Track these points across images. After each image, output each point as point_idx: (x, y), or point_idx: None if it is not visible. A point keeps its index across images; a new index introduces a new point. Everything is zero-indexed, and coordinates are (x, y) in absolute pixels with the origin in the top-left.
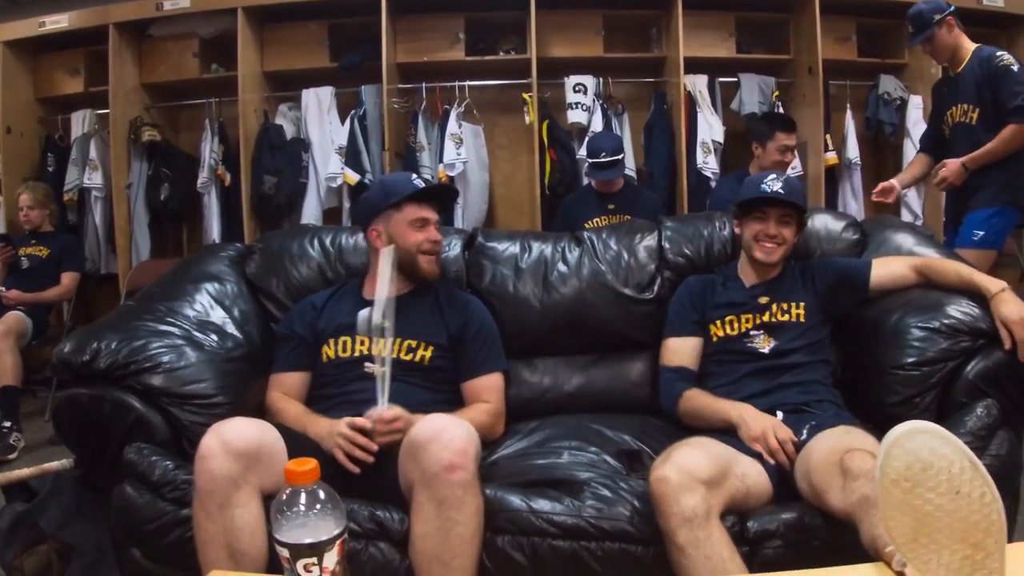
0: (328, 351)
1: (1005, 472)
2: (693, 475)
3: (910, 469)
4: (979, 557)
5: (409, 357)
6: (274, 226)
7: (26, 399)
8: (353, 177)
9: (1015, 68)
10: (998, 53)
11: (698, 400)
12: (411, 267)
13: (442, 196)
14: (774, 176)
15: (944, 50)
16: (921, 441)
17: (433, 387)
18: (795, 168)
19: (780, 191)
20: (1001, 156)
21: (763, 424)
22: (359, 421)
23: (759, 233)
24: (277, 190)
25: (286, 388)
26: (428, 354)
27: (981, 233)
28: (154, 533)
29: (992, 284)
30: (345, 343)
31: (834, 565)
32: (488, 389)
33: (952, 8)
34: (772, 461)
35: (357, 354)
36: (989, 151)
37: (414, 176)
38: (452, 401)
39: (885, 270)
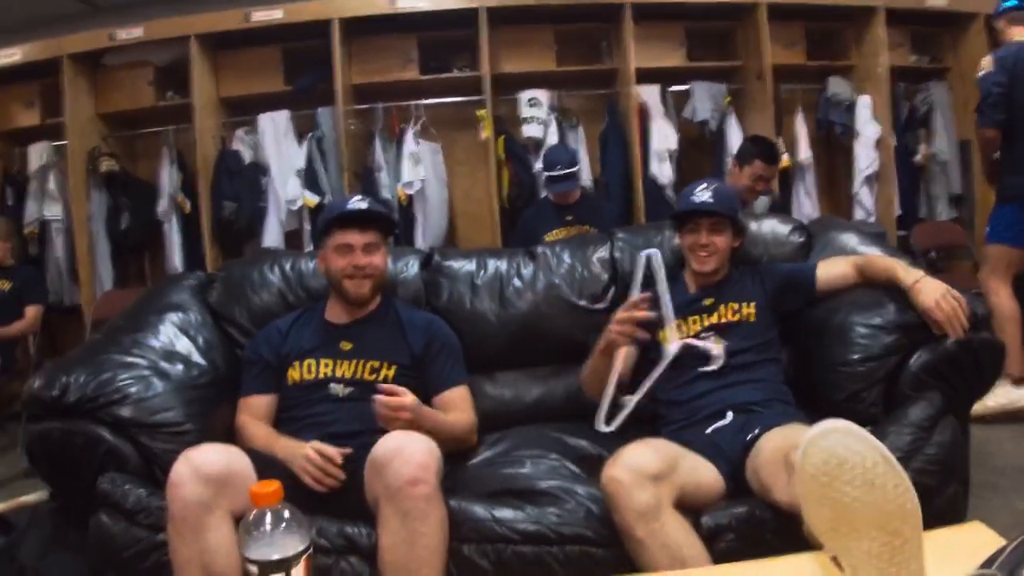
0: (294, 374)
1: (951, 459)
2: (642, 471)
3: (827, 464)
4: (897, 543)
5: (372, 377)
6: (236, 251)
7: None
8: (313, 200)
9: (980, 75)
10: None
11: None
12: (339, 292)
13: (364, 221)
14: (704, 186)
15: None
16: (835, 439)
17: None
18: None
19: (709, 200)
20: (983, 157)
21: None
22: (329, 450)
23: (693, 244)
24: (237, 215)
25: (254, 411)
26: (391, 373)
27: (987, 229)
28: (132, 559)
29: (907, 277)
30: (310, 365)
31: (785, 554)
32: (459, 400)
33: (999, 9)
34: (627, 336)
35: (322, 376)
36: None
37: (351, 200)
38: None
39: (830, 271)
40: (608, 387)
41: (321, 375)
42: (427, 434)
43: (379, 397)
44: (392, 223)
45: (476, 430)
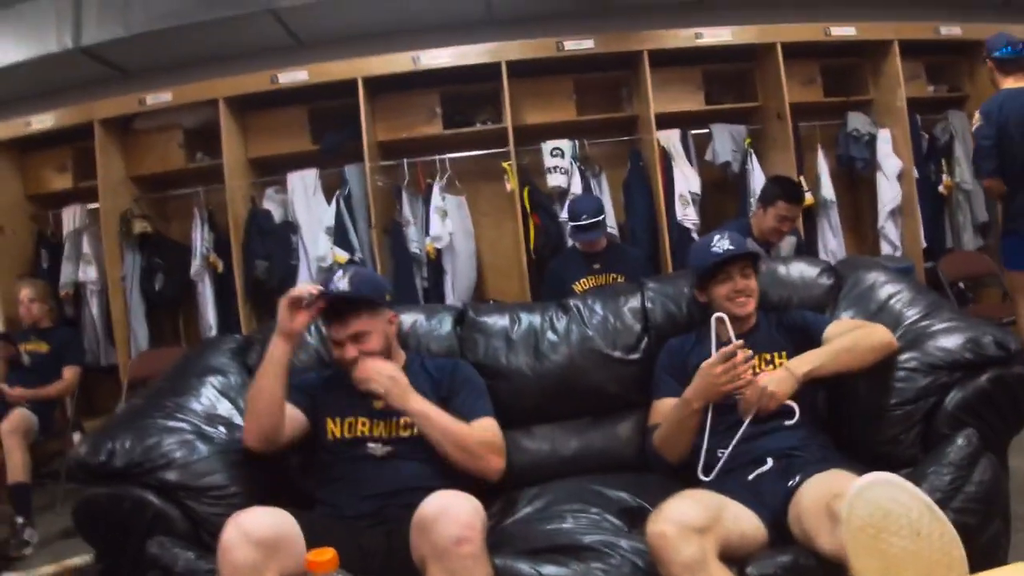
0: (334, 428)
1: (991, 497)
2: (687, 524)
3: (873, 517)
4: None
5: (407, 433)
6: (269, 309)
7: (36, 492)
8: (343, 256)
9: (973, 129)
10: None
11: (662, 427)
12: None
13: (349, 307)
14: (718, 237)
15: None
16: (880, 491)
17: (435, 460)
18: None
19: (731, 247)
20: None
21: (700, 377)
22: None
23: (729, 292)
24: (270, 274)
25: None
26: None
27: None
28: None
29: (796, 364)
30: (350, 424)
31: None
32: (484, 424)
33: (992, 52)
34: (747, 380)
35: (359, 434)
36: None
37: (332, 281)
38: (455, 476)
39: (833, 333)
40: (705, 438)
41: (359, 433)
42: (438, 437)
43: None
44: (381, 295)
45: (500, 455)
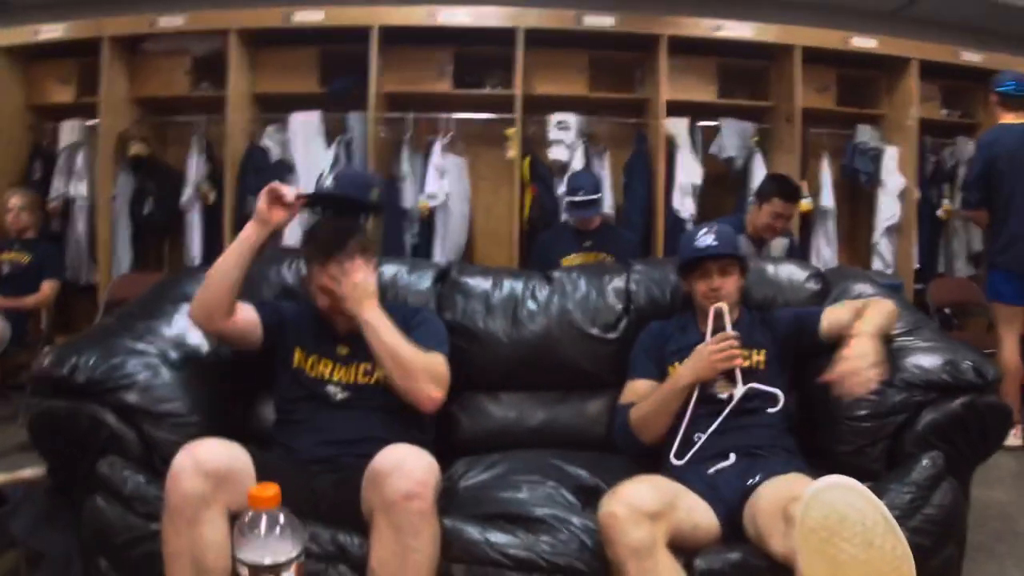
0: (300, 358)
1: (949, 521)
2: (639, 508)
3: (827, 520)
4: None
5: (366, 380)
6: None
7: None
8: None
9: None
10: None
11: (644, 404)
12: (332, 324)
13: (340, 237)
14: (705, 230)
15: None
16: (838, 495)
17: (393, 412)
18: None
19: (714, 244)
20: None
21: (698, 354)
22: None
23: (705, 290)
24: None
25: (240, 309)
26: (383, 375)
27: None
28: (123, 546)
29: (857, 326)
30: (313, 362)
31: None
32: (431, 359)
33: (996, 87)
34: (740, 362)
35: (321, 376)
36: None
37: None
38: (414, 429)
39: (832, 317)
40: (684, 422)
41: (321, 375)
42: (382, 351)
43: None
44: (366, 192)
45: (440, 386)
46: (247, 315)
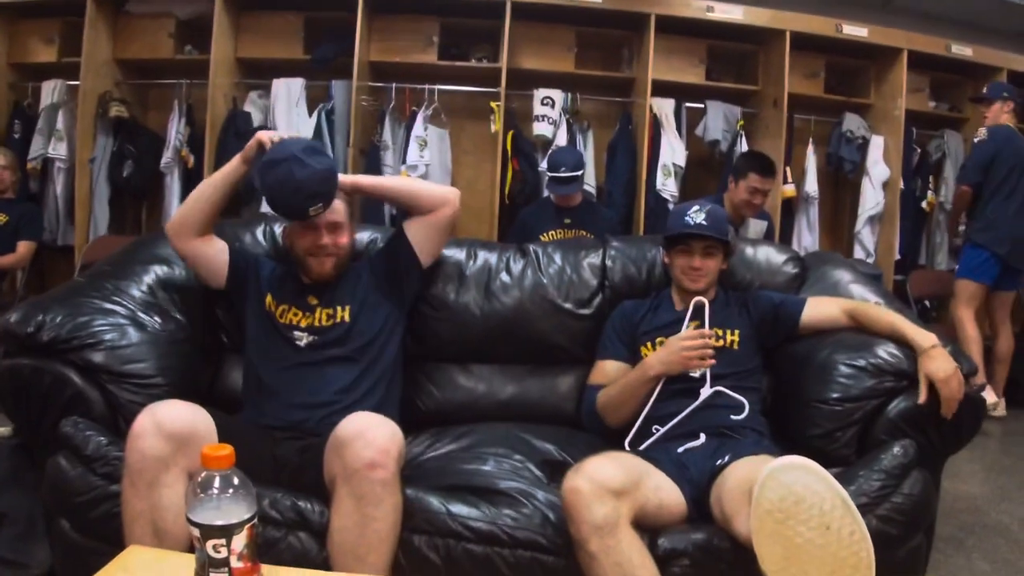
0: (271, 303)
1: (918, 510)
2: (603, 485)
3: (783, 501)
4: None
5: (329, 323)
6: (234, 213)
7: None
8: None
9: (976, 140)
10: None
11: (611, 388)
12: (304, 268)
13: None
14: (697, 208)
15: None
16: (796, 476)
17: (357, 359)
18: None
19: (704, 223)
20: (954, 211)
21: (669, 347)
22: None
23: (684, 266)
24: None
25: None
26: (346, 315)
27: (957, 267)
28: (83, 506)
29: (923, 340)
30: (283, 311)
31: None
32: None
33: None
34: (711, 363)
35: (289, 322)
36: (954, 211)
37: (305, 190)
38: (378, 379)
39: (816, 311)
40: (645, 411)
41: (289, 321)
42: (395, 193)
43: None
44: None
45: (456, 200)
46: (218, 246)
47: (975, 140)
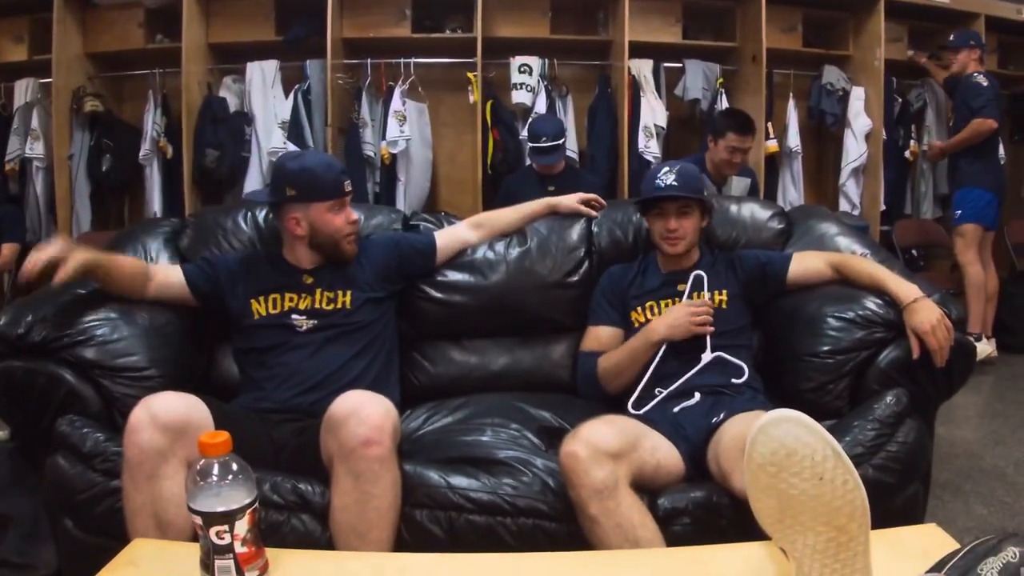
0: (259, 308)
1: (913, 458)
2: (601, 448)
3: (775, 455)
4: (843, 540)
5: (331, 307)
6: (216, 200)
7: None
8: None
9: (977, 79)
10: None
11: (613, 354)
12: (334, 251)
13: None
14: (667, 169)
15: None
16: (786, 429)
17: (356, 342)
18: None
19: (674, 183)
20: (964, 139)
21: (675, 313)
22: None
23: (662, 230)
24: (219, 164)
25: (160, 273)
26: (347, 300)
27: (959, 212)
28: (85, 503)
29: (904, 294)
30: (275, 300)
31: (739, 543)
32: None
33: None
34: (710, 330)
35: (285, 308)
36: (960, 139)
37: (338, 167)
38: (374, 359)
39: (802, 265)
40: (647, 375)
41: (285, 308)
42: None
43: None
44: None
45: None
46: (169, 281)
47: (976, 80)
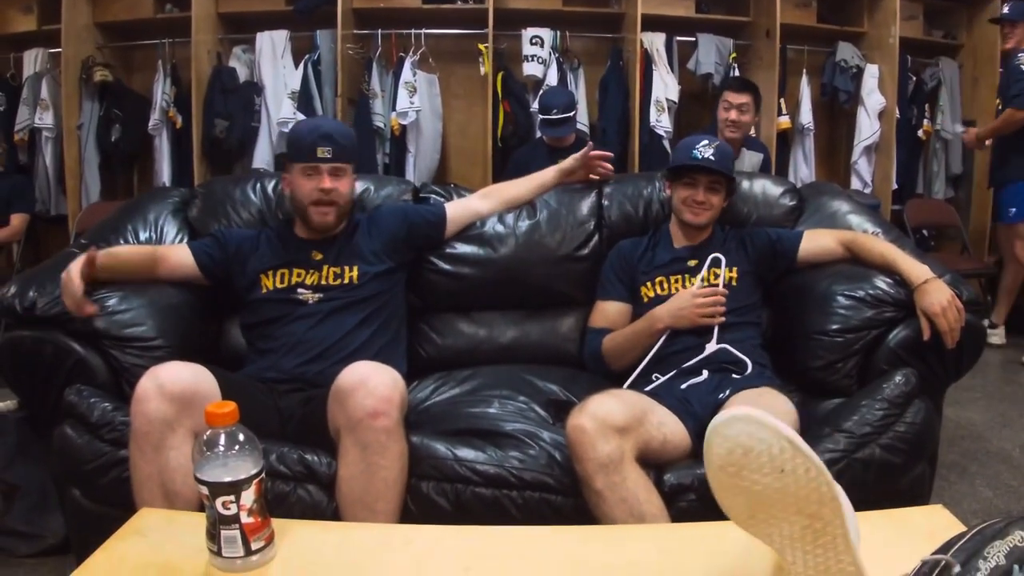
0: (267, 282)
1: (921, 438)
2: (607, 422)
3: (732, 455)
4: (819, 526)
5: (337, 283)
6: (225, 170)
7: None
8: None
9: (1019, 62)
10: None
11: (617, 335)
12: (304, 219)
13: (332, 146)
14: (706, 142)
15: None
16: (739, 428)
17: (362, 312)
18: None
19: (711, 157)
20: (995, 130)
21: (680, 302)
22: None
23: (688, 198)
24: (228, 134)
25: (172, 255)
26: (355, 275)
27: (1013, 209)
28: (93, 473)
29: (915, 274)
30: (283, 275)
31: None
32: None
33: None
34: (721, 320)
35: (293, 283)
36: (994, 128)
37: (321, 131)
38: (380, 329)
39: (813, 243)
40: (645, 361)
41: (292, 282)
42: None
43: None
44: (355, 152)
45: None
46: (180, 263)
47: (1018, 63)
